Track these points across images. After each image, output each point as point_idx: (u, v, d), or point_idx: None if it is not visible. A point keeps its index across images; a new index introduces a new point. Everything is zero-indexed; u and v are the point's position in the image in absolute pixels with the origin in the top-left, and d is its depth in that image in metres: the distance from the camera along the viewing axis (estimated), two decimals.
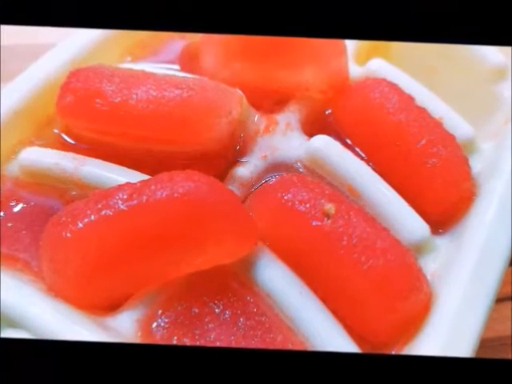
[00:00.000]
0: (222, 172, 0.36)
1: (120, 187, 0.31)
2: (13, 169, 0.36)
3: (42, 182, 0.35)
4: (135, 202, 0.30)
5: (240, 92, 0.37)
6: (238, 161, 0.37)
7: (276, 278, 0.32)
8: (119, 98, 0.33)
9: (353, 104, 0.39)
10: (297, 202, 0.32)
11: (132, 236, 0.29)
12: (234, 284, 0.32)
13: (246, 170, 0.36)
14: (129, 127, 0.34)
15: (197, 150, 0.35)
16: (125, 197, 0.30)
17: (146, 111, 0.33)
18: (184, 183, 0.30)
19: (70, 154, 0.35)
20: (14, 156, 0.36)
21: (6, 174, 0.36)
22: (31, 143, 0.37)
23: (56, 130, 0.38)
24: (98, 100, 0.34)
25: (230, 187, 0.35)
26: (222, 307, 0.31)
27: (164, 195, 0.30)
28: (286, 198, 0.33)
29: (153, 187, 0.30)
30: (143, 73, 0.37)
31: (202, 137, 0.35)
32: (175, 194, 0.30)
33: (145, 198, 0.29)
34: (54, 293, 0.30)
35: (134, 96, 0.33)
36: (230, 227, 0.31)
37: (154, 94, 0.34)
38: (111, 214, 0.29)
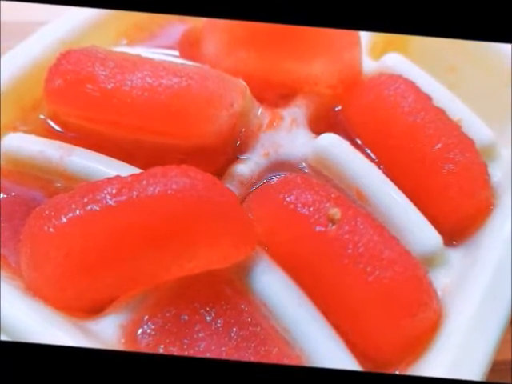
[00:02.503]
0: (221, 169, 0.36)
1: (109, 181, 0.31)
2: None
3: (25, 171, 0.36)
4: (125, 197, 0.29)
5: (243, 83, 0.37)
6: (237, 157, 0.37)
7: (274, 286, 0.32)
8: (112, 84, 0.33)
9: (364, 101, 0.39)
10: (300, 205, 0.33)
11: (120, 234, 0.29)
12: (227, 291, 0.32)
13: (246, 167, 0.36)
14: (121, 116, 0.34)
15: (194, 143, 0.35)
16: (114, 191, 0.30)
17: (140, 99, 0.34)
18: (179, 179, 0.30)
19: (57, 143, 0.36)
20: None
21: None
22: (15, 129, 0.37)
23: (42, 116, 0.38)
24: (89, 85, 0.34)
25: (228, 185, 0.35)
26: (213, 315, 0.31)
27: (156, 191, 0.30)
28: (288, 199, 0.33)
29: (144, 182, 0.30)
30: (139, 57, 0.37)
31: (200, 130, 0.35)
32: (169, 191, 0.30)
33: (135, 193, 0.30)
34: (32, 292, 0.30)
35: (129, 83, 0.33)
36: (226, 229, 0.31)
37: (150, 81, 0.34)
38: (98, 209, 0.29)
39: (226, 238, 0.31)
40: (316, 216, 0.32)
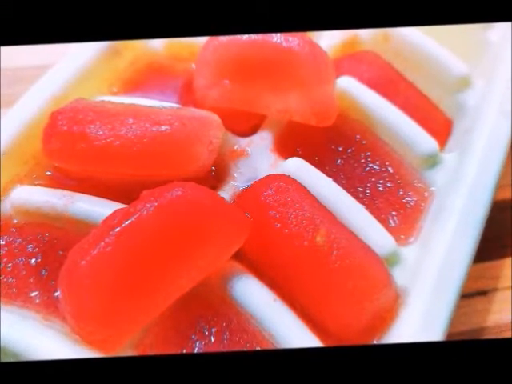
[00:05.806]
0: None
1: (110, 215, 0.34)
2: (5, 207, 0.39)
3: (32, 221, 0.39)
4: (128, 222, 0.32)
5: (218, 118, 0.39)
6: (216, 185, 0.40)
7: (249, 292, 0.35)
8: (104, 141, 0.36)
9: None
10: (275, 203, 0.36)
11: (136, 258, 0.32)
12: (221, 303, 0.35)
13: (225, 194, 0.39)
14: (116, 167, 0.38)
15: (181, 178, 0.37)
16: (116, 221, 0.33)
17: (129, 151, 0.36)
18: (172, 191, 0.33)
19: (59, 191, 0.39)
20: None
21: None
22: (21, 181, 0.41)
23: (44, 168, 0.42)
24: (82, 144, 0.37)
25: None
26: (209, 326, 0.34)
27: (158, 206, 0.33)
28: (265, 194, 0.36)
29: (140, 205, 0.33)
30: (125, 106, 0.39)
31: (185, 168, 0.38)
32: (171, 199, 0.33)
33: (138, 214, 0.33)
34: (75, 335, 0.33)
35: (117, 141, 0.36)
36: (224, 220, 0.34)
37: (137, 132, 0.36)
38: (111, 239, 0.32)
39: (226, 227, 0.34)
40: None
